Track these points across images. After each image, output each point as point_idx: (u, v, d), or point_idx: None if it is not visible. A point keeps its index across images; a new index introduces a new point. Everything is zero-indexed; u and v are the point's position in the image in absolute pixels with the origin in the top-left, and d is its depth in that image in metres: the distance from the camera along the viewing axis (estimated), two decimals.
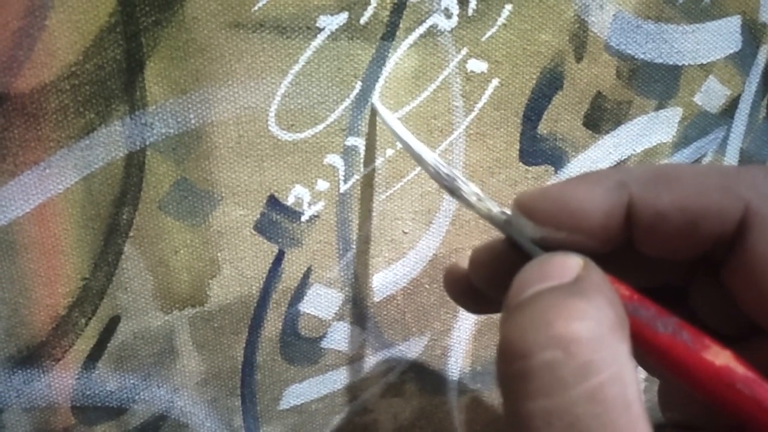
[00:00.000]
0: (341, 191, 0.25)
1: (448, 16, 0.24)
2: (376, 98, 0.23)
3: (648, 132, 0.28)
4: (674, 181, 0.18)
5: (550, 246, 0.18)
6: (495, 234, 0.20)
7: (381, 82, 0.24)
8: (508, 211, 0.19)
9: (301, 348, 0.26)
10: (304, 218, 0.24)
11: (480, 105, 0.25)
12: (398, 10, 0.23)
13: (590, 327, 0.15)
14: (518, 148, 0.27)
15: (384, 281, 0.27)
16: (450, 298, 0.23)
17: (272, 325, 0.25)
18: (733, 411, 0.16)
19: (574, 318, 0.15)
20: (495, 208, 0.20)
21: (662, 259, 0.19)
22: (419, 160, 0.22)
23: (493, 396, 0.30)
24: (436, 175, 0.21)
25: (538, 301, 0.16)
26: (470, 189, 0.20)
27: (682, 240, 0.18)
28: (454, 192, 0.21)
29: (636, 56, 0.27)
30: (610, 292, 0.16)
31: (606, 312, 0.15)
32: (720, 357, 0.16)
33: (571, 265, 0.17)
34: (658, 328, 0.17)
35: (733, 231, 0.17)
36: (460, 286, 0.22)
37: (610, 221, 0.18)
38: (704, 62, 0.28)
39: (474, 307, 0.23)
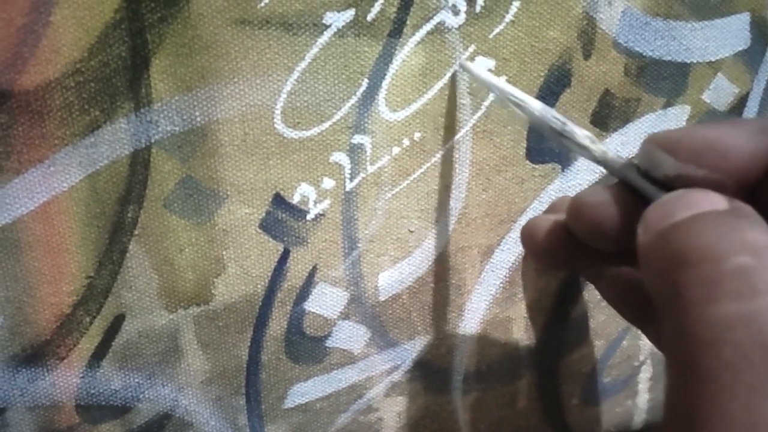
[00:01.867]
0: (347, 189, 0.24)
1: (456, 12, 0.24)
2: (463, 59, 0.23)
3: (656, 130, 0.28)
4: None
5: (678, 187, 0.18)
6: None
7: (388, 79, 0.24)
8: (623, 156, 0.19)
9: (306, 347, 0.26)
10: (309, 217, 0.24)
11: (487, 102, 0.25)
12: (405, 6, 0.23)
13: None
14: (525, 146, 0.26)
15: (389, 280, 0.26)
16: (531, 257, 0.22)
17: (277, 323, 0.25)
18: None
19: (758, 228, 0.15)
20: (610, 152, 0.20)
21: None
22: (525, 109, 0.21)
23: (498, 395, 0.30)
24: (543, 123, 0.21)
25: (708, 217, 0.15)
26: (584, 133, 0.20)
27: None
28: (565, 136, 0.20)
29: (644, 53, 0.27)
30: (765, 223, 0.16)
31: None
32: None
33: (717, 198, 0.16)
34: None
35: None
36: (553, 240, 0.21)
37: (753, 163, 0.17)
38: (713, 60, 0.28)
39: (566, 263, 0.22)
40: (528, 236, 0.23)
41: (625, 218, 0.17)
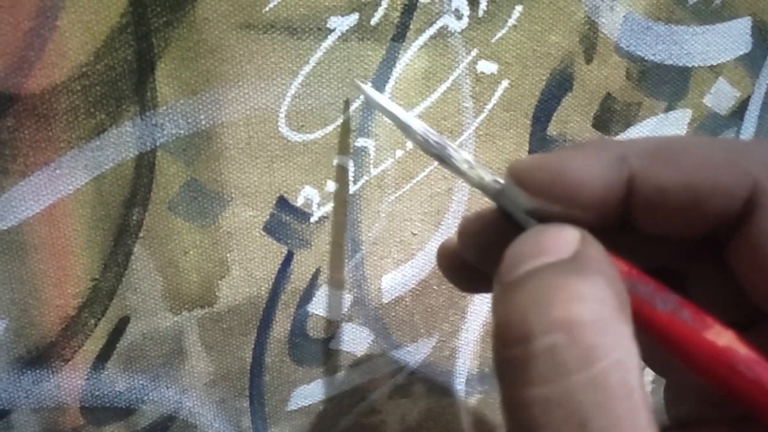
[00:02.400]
0: (351, 192, 0.25)
1: (459, 17, 0.24)
2: (355, 79, 0.23)
3: (657, 133, 0.28)
4: (678, 156, 0.16)
5: (543, 218, 0.17)
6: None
7: (391, 83, 0.24)
8: (502, 180, 0.18)
9: (310, 349, 0.26)
10: (313, 219, 0.24)
11: (490, 106, 0.25)
12: (409, 11, 0.23)
13: (593, 309, 0.14)
14: (527, 149, 0.27)
15: (393, 282, 0.26)
16: (445, 278, 0.21)
17: (281, 326, 0.25)
18: (735, 394, 0.15)
19: (577, 299, 0.14)
20: (487, 177, 0.19)
21: (663, 238, 0.17)
22: (407, 130, 0.21)
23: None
24: (425, 144, 0.20)
25: (536, 280, 0.15)
26: (461, 156, 0.19)
27: (685, 218, 0.17)
28: (445, 160, 0.20)
29: (646, 57, 0.27)
30: (611, 269, 0.15)
31: (608, 292, 0.15)
32: (722, 337, 0.15)
33: (568, 238, 0.16)
34: (657, 306, 0.16)
35: (740, 209, 0.16)
36: (452, 261, 0.21)
37: (608, 196, 0.16)
38: (714, 64, 0.28)
39: (465, 285, 0.21)
40: (438, 257, 0.22)
41: (503, 246, 0.17)
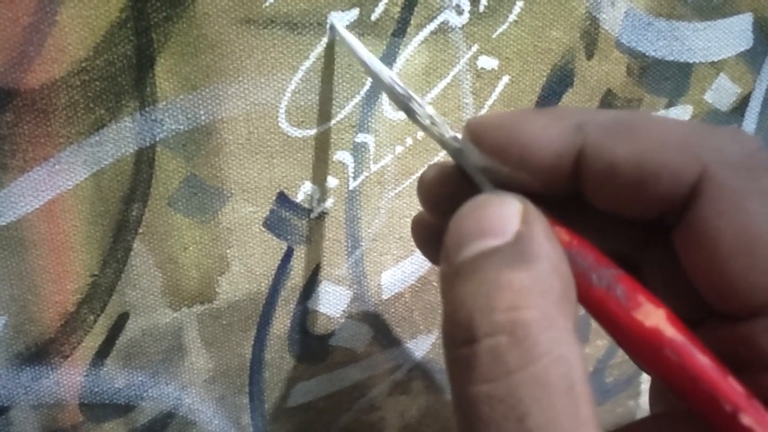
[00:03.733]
0: (350, 188, 0.25)
1: (460, 12, 0.24)
2: (334, 18, 0.22)
3: None
4: (634, 132, 0.16)
5: (496, 179, 0.17)
6: None
7: None
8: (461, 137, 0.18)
9: (310, 345, 0.26)
10: (313, 215, 0.24)
11: (490, 102, 0.25)
12: (409, 6, 0.23)
13: (536, 306, 0.14)
14: None
15: (392, 279, 0.26)
16: (419, 250, 0.21)
17: (281, 322, 0.25)
18: (662, 377, 0.15)
19: (519, 297, 0.14)
20: (448, 133, 0.18)
21: (614, 217, 0.17)
22: (375, 77, 0.21)
23: None
24: (391, 94, 0.20)
25: (478, 273, 0.15)
26: (425, 111, 0.19)
27: (633, 196, 0.16)
28: (409, 112, 0.20)
29: (647, 53, 0.27)
30: (554, 250, 0.15)
31: (551, 281, 0.15)
32: (651, 317, 0.15)
33: (509, 214, 0.16)
34: (593, 281, 0.16)
35: (687, 194, 0.16)
36: (425, 232, 0.21)
37: (559, 162, 0.16)
38: (715, 60, 0.28)
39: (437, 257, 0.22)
40: (412, 229, 0.21)
41: (459, 201, 0.16)
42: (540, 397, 0.14)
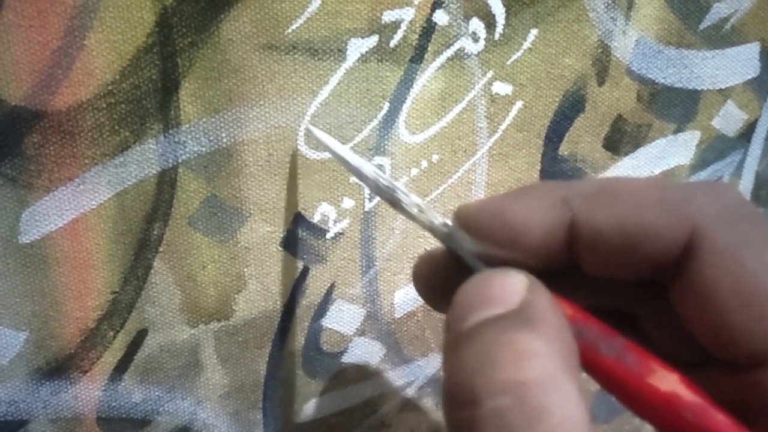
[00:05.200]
0: (366, 209, 0.25)
1: (476, 39, 0.24)
2: (306, 122, 0.23)
3: (666, 154, 0.29)
4: (618, 198, 0.16)
5: (491, 262, 0.17)
6: None
7: (408, 103, 0.24)
8: (450, 223, 0.18)
9: (323, 362, 0.26)
10: (329, 235, 0.25)
11: (503, 126, 0.26)
12: (427, 33, 0.23)
13: (540, 367, 0.14)
14: (539, 168, 0.27)
15: (405, 298, 0.27)
16: (424, 301, 0.21)
17: (295, 339, 0.26)
18: None
19: (523, 358, 0.14)
20: (437, 220, 0.19)
21: (609, 279, 0.18)
22: (358, 173, 0.21)
23: None
24: (375, 188, 0.20)
25: (482, 336, 0.15)
26: (411, 200, 0.19)
27: (624, 260, 0.17)
28: (395, 204, 0.20)
29: (657, 81, 0.27)
30: (558, 318, 0.15)
31: (555, 345, 0.15)
32: (665, 382, 0.15)
33: (514, 286, 0.16)
34: (602, 351, 0.16)
35: (679, 254, 0.16)
36: (427, 283, 0.20)
37: (550, 239, 0.17)
38: (723, 87, 0.28)
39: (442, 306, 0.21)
40: (414, 281, 0.21)
41: (455, 287, 0.17)
42: None
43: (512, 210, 0.17)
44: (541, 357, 0.14)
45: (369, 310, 0.26)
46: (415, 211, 0.19)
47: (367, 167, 0.21)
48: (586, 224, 0.17)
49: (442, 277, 0.19)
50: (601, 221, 0.16)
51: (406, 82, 0.24)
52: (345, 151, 0.22)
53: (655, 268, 0.17)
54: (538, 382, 0.14)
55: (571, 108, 0.26)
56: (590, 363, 0.16)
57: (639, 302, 0.19)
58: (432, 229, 0.19)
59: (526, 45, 0.25)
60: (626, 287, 0.18)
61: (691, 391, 0.15)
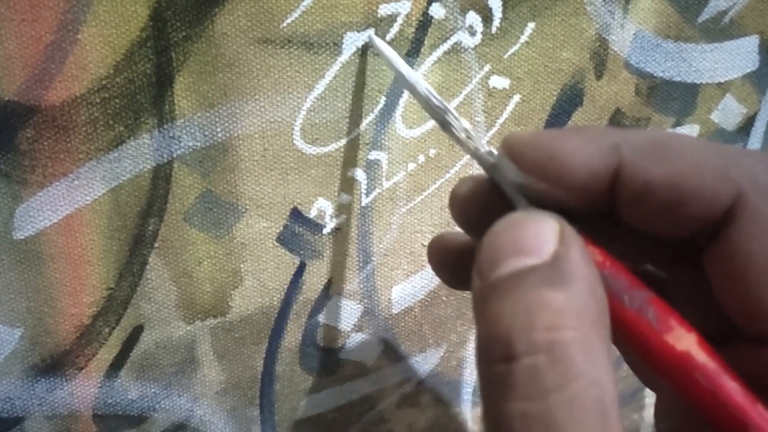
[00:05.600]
0: (363, 204, 0.25)
1: (472, 33, 0.24)
2: (371, 33, 0.22)
3: None
4: (670, 154, 0.16)
5: (531, 195, 0.17)
6: None
7: (405, 97, 0.24)
8: (496, 153, 0.18)
9: (320, 358, 0.26)
10: (325, 231, 0.25)
11: (501, 120, 0.26)
12: (423, 27, 0.23)
13: (574, 326, 0.14)
14: None
15: (402, 293, 0.27)
16: (433, 271, 0.21)
17: (292, 335, 0.26)
18: (691, 400, 0.15)
19: (558, 317, 0.14)
20: (483, 148, 0.19)
21: (645, 234, 0.18)
22: (411, 88, 0.21)
23: None
24: (427, 106, 0.20)
25: (516, 290, 0.15)
26: (461, 124, 0.19)
27: (667, 216, 0.17)
28: (444, 125, 0.20)
29: (655, 74, 0.27)
30: (590, 272, 0.15)
31: (588, 303, 0.15)
32: (682, 341, 0.15)
33: (547, 234, 0.16)
34: (625, 302, 0.16)
35: (721, 217, 0.16)
36: (444, 257, 0.21)
37: (595, 181, 0.17)
38: (722, 81, 0.28)
39: (455, 282, 0.21)
40: (434, 251, 0.22)
41: (492, 214, 0.17)
42: (574, 418, 0.14)
43: (562, 146, 0.17)
44: (576, 317, 0.15)
45: (366, 306, 0.26)
46: (462, 135, 0.19)
47: (422, 84, 0.21)
48: (635, 174, 0.17)
49: (480, 204, 0.19)
50: (653, 174, 0.16)
51: (403, 76, 0.24)
52: (402, 65, 0.21)
53: (696, 229, 0.17)
54: (571, 342, 0.14)
55: (569, 102, 0.26)
56: (613, 314, 0.16)
57: (670, 263, 0.19)
58: (477, 157, 0.19)
59: (524, 38, 0.25)
60: (660, 245, 0.18)
61: (706, 353, 0.15)
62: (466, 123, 0.20)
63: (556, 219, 0.16)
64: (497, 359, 0.15)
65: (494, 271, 0.16)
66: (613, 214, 0.18)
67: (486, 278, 0.16)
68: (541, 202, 0.17)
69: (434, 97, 0.20)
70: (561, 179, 0.17)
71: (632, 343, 0.16)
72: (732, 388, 0.15)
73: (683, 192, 0.16)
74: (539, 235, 0.16)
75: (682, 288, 0.19)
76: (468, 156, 0.26)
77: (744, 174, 0.16)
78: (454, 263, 0.21)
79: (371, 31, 0.23)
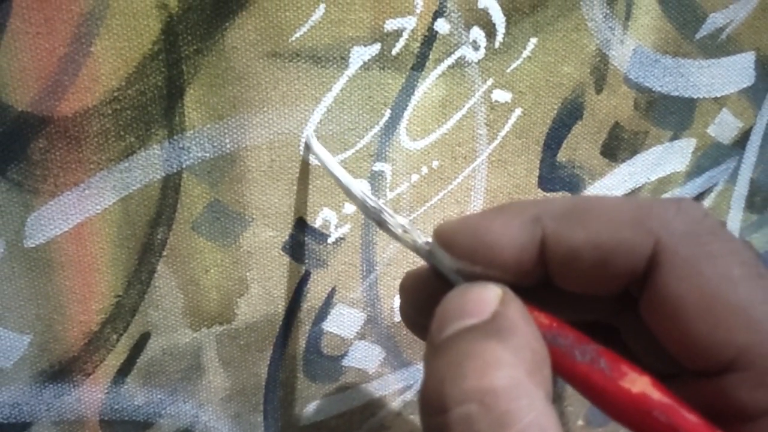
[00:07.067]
0: None
1: (476, 48, 0.25)
2: (309, 132, 0.23)
3: (662, 161, 0.29)
4: (587, 216, 0.17)
5: (469, 277, 0.18)
6: None
7: (409, 110, 0.25)
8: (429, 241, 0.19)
9: (323, 366, 0.27)
10: (330, 240, 0.25)
11: (503, 133, 0.26)
12: (429, 41, 0.24)
13: (506, 374, 0.15)
14: (538, 174, 0.27)
15: None
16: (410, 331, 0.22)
17: (296, 343, 0.26)
18: None
19: (490, 366, 0.15)
20: (420, 239, 0.20)
21: (583, 294, 0.18)
22: (347, 192, 0.22)
23: None
24: (363, 208, 0.21)
25: (454, 346, 0.16)
26: (396, 221, 0.20)
27: (596, 276, 0.17)
28: (381, 224, 0.21)
29: (653, 89, 0.28)
30: (528, 328, 0.16)
31: (524, 354, 0.15)
32: (637, 384, 0.16)
33: (489, 298, 0.17)
34: (576, 357, 0.17)
35: (646, 267, 0.17)
36: (409, 318, 0.21)
37: (523, 256, 0.17)
38: (718, 95, 0.29)
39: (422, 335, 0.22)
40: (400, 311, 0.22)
41: (438, 301, 0.18)
42: None
43: (486, 228, 0.18)
44: (509, 365, 0.15)
45: (369, 314, 0.27)
46: (399, 231, 0.20)
47: (356, 187, 0.22)
48: (558, 242, 0.17)
49: (426, 291, 0.20)
50: (575, 238, 0.17)
51: (408, 90, 0.24)
52: (337, 167, 0.22)
53: (626, 283, 0.17)
54: (504, 389, 0.15)
55: (569, 115, 0.27)
56: (565, 369, 0.17)
57: (613, 315, 0.20)
58: (416, 249, 0.20)
59: (526, 53, 0.25)
60: (600, 301, 0.19)
61: (661, 392, 0.16)
62: (402, 219, 0.20)
63: (499, 286, 0.17)
64: (433, 412, 0.15)
65: (440, 335, 0.16)
66: (548, 282, 0.18)
67: (432, 342, 0.17)
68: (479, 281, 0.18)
69: (369, 198, 0.21)
70: (492, 260, 0.18)
71: (589, 393, 0.17)
72: (691, 419, 0.15)
73: (603, 249, 0.17)
74: (482, 299, 0.17)
75: (627, 335, 0.20)
76: (470, 168, 0.26)
77: (658, 223, 0.17)
78: (422, 304, 0.21)
79: (377, 46, 0.23)
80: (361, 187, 0.22)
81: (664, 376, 0.17)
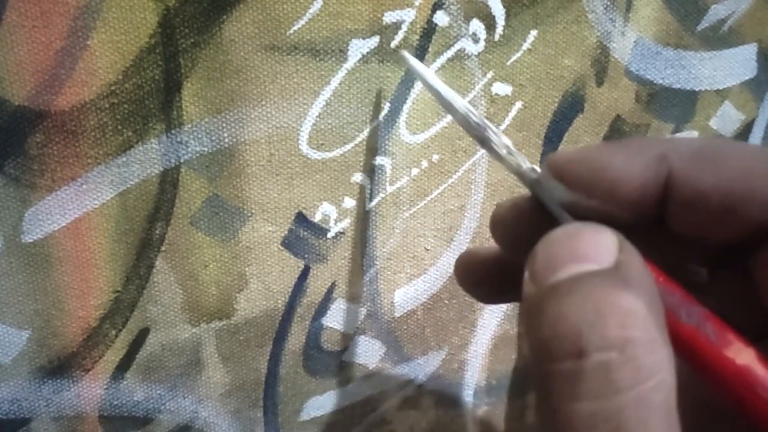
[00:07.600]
0: (367, 209, 0.25)
1: (476, 40, 0.24)
2: (405, 52, 0.22)
3: None
4: (720, 161, 0.16)
5: (578, 212, 0.17)
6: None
7: (409, 103, 0.24)
8: (539, 170, 0.18)
9: (323, 361, 0.27)
10: (330, 235, 0.25)
11: (503, 126, 0.26)
12: (428, 34, 0.24)
13: (644, 326, 0.14)
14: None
15: (405, 297, 0.27)
16: (460, 286, 0.21)
17: (296, 338, 0.26)
18: (752, 414, 0.15)
19: (629, 317, 0.14)
20: (525, 164, 0.18)
21: (693, 239, 0.17)
22: (449, 107, 0.20)
23: (507, 409, 0.31)
24: (465, 124, 0.20)
25: (583, 290, 0.15)
26: (501, 140, 0.19)
27: (720, 223, 0.17)
28: (484, 142, 0.19)
29: (655, 81, 0.27)
30: (650, 282, 0.15)
31: (652, 309, 0.15)
32: (742, 355, 0.15)
33: (607, 245, 0.16)
34: (681, 317, 0.16)
35: None
36: (471, 273, 0.21)
37: (646, 194, 0.17)
38: (720, 88, 0.29)
39: (484, 296, 0.21)
40: (461, 267, 0.21)
41: (534, 233, 0.17)
42: (645, 419, 0.14)
43: (609, 162, 0.17)
44: (644, 318, 0.14)
45: (369, 309, 0.27)
46: (503, 152, 0.19)
47: (459, 102, 0.20)
48: (686, 184, 0.16)
49: (522, 226, 0.18)
50: (704, 182, 0.16)
51: (407, 83, 0.24)
52: (437, 81, 0.21)
53: (747, 233, 0.17)
54: (643, 342, 0.14)
55: (570, 108, 0.27)
56: (670, 329, 0.16)
57: (711, 264, 0.19)
58: (519, 174, 0.19)
59: (526, 46, 0.25)
60: (707, 248, 0.19)
61: (766, 367, 0.15)
62: (506, 139, 0.19)
63: (614, 231, 0.16)
64: (564, 356, 0.14)
65: (551, 276, 0.15)
66: (657, 223, 0.17)
67: (542, 283, 0.16)
68: (587, 218, 0.17)
69: (473, 114, 0.20)
70: (612, 195, 0.17)
71: (690, 357, 0.16)
72: None
73: (735, 198, 0.16)
74: (598, 245, 0.16)
75: (720, 287, 0.19)
76: (470, 162, 0.26)
77: None
78: (484, 278, 0.21)
79: (376, 39, 0.23)
80: (463, 102, 0.20)
81: (755, 336, 0.16)
